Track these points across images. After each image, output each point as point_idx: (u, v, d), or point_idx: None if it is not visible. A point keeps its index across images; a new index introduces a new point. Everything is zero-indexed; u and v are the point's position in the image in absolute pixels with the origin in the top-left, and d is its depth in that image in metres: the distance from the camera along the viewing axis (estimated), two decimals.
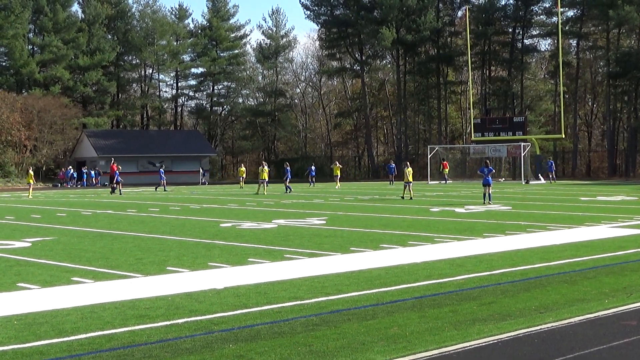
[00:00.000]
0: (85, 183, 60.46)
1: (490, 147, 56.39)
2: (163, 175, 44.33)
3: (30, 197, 37.87)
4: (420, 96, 75.85)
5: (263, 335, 7.26)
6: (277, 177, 61.90)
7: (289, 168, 41.48)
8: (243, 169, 52.20)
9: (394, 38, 67.85)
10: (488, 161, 30.45)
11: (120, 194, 39.92)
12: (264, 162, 43.36)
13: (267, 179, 39.50)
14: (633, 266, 11.64)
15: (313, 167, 51.52)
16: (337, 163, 49.09)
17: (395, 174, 51.20)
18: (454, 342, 6.90)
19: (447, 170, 53.52)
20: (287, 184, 39.81)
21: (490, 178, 27.63)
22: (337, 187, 45.21)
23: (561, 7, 59.40)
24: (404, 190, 31.65)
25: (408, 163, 34.97)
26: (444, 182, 52.32)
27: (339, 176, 47.54)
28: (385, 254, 13.16)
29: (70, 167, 61.99)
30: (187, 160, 68.50)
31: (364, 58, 75.17)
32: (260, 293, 9.44)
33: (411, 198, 30.71)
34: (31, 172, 40.98)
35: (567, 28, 66.92)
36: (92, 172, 61.46)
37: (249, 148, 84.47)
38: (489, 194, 27.50)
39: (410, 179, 31.42)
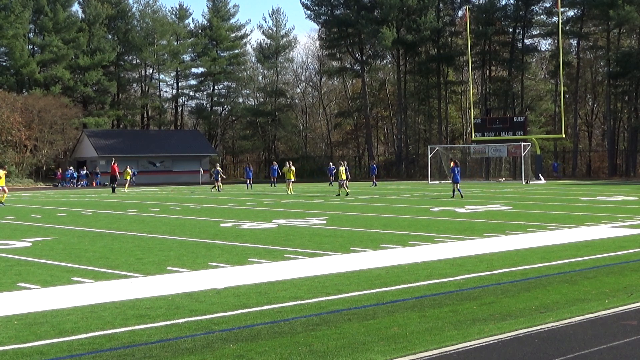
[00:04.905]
0: (86, 182, 60.42)
1: (491, 147, 56.39)
2: (220, 175, 44.40)
3: (126, 190, 42.57)
4: (420, 96, 75.84)
5: (263, 335, 7.25)
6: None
7: (346, 167, 37.54)
8: (219, 168, 47.12)
9: (394, 38, 67.85)
10: (457, 161, 34.08)
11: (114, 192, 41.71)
12: (290, 162, 41.11)
13: (293, 178, 39.14)
14: (633, 266, 11.63)
15: (275, 167, 51.32)
16: (289, 164, 40.81)
17: (375, 174, 53.60)
18: (454, 342, 6.90)
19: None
20: (346, 185, 36.51)
21: (458, 176, 31.36)
22: (289, 192, 38.03)
23: (561, 7, 59.36)
24: (340, 188, 35.49)
25: (345, 163, 38.27)
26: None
27: (292, 180, 39.50)
28: (385, 254, 13.15)
29: (72, 167, 61.94)
30: (187, 160, 68.50)
31: (364, 58, 75.17)
32: (260, 293, 9.43)
33: (338, 194, 34.13)
34: (128, 169, 44.88)
35: (567, 28, 66.93)
36: (75, 173, 60.88)
37: (249, 148, 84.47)
38: (459, 190, 31.11)
39: (343, 177, 35.42)
